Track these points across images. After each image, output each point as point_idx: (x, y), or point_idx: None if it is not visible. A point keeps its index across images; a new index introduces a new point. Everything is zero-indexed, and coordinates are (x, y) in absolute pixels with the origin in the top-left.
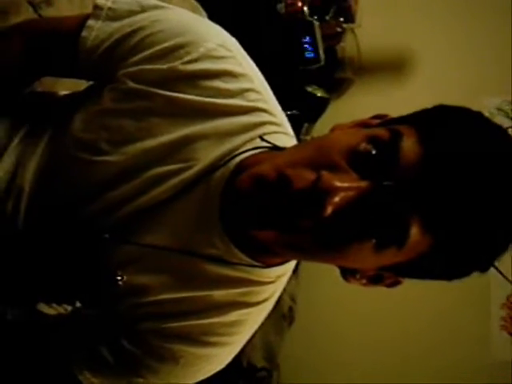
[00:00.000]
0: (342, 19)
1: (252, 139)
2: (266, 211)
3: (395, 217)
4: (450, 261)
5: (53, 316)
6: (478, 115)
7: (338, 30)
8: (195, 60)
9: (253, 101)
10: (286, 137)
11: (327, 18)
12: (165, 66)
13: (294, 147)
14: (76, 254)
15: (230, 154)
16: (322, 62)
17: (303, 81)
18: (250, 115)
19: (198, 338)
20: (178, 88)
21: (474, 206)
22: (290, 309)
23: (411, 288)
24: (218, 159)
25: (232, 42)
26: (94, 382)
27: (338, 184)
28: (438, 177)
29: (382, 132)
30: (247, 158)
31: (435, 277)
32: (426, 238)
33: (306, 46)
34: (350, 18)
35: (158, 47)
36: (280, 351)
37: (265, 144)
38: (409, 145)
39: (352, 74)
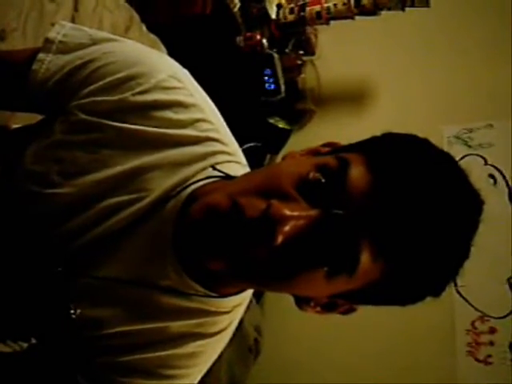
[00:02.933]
0: (301, 52)
1: (204, 169)
2: (218, 241)
3: (345, 244)
4: (401, 286)
5: (7, 354)
6: (425, 142)
7: (298, 62)
8: (146, 91)
9: (204, 131)
10: (238, 166)
11: (287, 50)
12: (115, 98)
13: (246, 175)
14: (29, 287)
15: (183, 184)
16: (283, 94)
17: (265, 113)
18: (201, 145)
19: (155, 371)
20: (129, 119)
21: (422, 233)
22: (256, 341)
23: (375, 315)
24: (170, 189)
25: (183, 73)
26: None
27: (288, 213)
28: (386, 203)
29: (330, 160)
30: (200, 188)
31: (389, 303)
32: (377, 264)
33: (266, 78)
34: (310, 50)
35: (109, 79)
36: None
37: (217, 173)
38: (357, 172)
39: (313, 105)
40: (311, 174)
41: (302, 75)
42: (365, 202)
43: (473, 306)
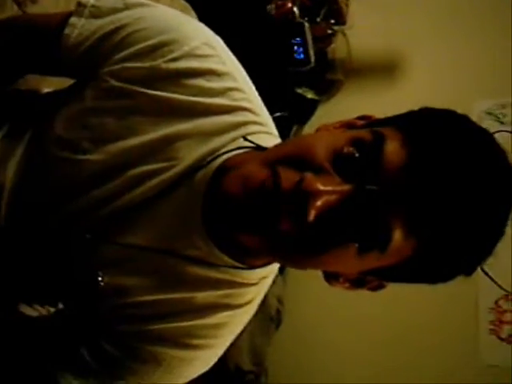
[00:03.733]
0: (332, 21)
1: (235, 139)
2: (254, 215)
3: (377, 221)
4: (433, 264)
5: (35, 317)
6: (464, 119)
7: (329, 31)
8: (178, 58)
9: (236, 100)
10: (269, 137)
11: (318, 19)
12: (147, 64)
13: (279, 145)
14: (58, 253)
15: (213, 154)
16: (313, 64)
17: (293, 82)
18: (233, 114)
19: (180, 341)
20: (160, 86)
21: (458, 210)
22: (278, 311)
23: (399, 291)
24: (200, 159)
25: (216, 41)
26: None
27: (321, 187)
28: (421, 180)
29: (365, 134)
30: (230, 159)
31: (419, 280)
32: (409, 241)
33: (296, 47)
34: (341, 20)
35: (140, 45)
36: (267, 354)
37: (248, 144)
38: (392, 148)
39: (342, 76)
40: (345, 149)
41: (333, 45)
42: (399, 178)
43: (498, 284)
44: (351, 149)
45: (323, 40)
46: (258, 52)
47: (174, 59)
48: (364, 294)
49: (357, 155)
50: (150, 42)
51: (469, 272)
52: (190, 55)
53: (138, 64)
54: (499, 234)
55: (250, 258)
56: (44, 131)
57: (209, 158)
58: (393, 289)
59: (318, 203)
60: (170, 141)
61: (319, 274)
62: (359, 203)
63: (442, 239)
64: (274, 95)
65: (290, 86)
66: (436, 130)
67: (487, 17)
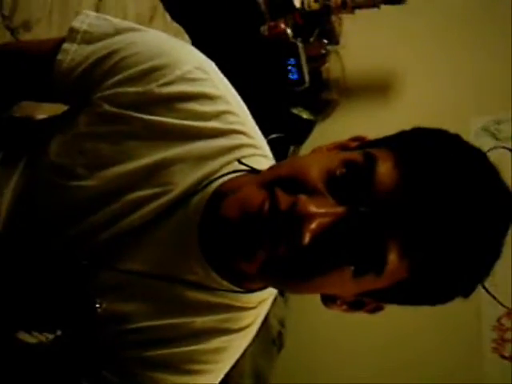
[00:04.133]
0: (325, 41)
1: (230, 162)
2: (252, 239)
3: (372, 243)
4: (429, 286)
5: (33, 344)
6: (456, 138)
7: (323, 51)
8: (171, 82)
9: (230, 123)
10: (264, 159)
11: (311, 39)
12: (140, 89)
13: (273, 167)
14: (55, 280)
15: (208, 178)
16: (307, 84)
17: (289, 103)
18: (227, 138)
19: (180, 366)
20: (154, 111)
21: (451, 232)
22: (280, 334)
23: (400, 312)
24: (195, 184)
25: (208, 65)
26: None
27: (315, 210)
28: (414, 201)
29: (357, 156)
30: (226, 182)
31: (417, 303)
32: (405, 263)
33: (290, 67)
34: (334, 40)
35: (133, 70)
36: (270, 377)
37: (243, 167)
38: (384, 169)
39: (337, 96)
40: (338, 170)
41: (327, 65)
42: (392, 199)
43: (499, 302)
44: (344, 170)
45: (317, 60)
46: (253, 73)
47: (167, 83)
48: (367, 318)
49: (349, 177)
50: (142, 67)
51: (466, 294)
52: (183, 79)
53: (131, 89)
54: (495, 255)
55: (249, 282)
56: (38, 158)
57: (204, 183)
58: (393, 311)
59: (313, 226)
60: (164, 165)
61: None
62: (353, 225)
63: (436, 260)
64: (269, 116)
65: (286, 107)
66: (428, 150)
67: (482, 35)
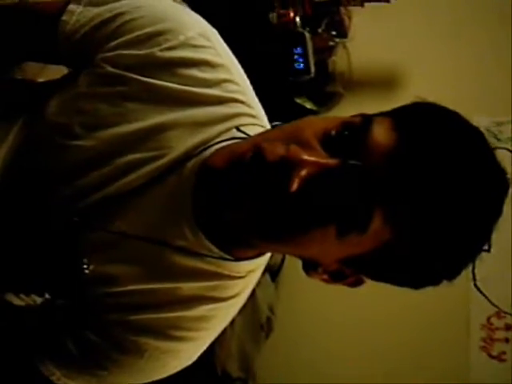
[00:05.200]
0: (334, 33)
1: (228, 130)
2: (238, 188)
3: (359, 199)
4: (413, 259)
5: (21, 307)
6: (456, 113)
7: (330, 43)
8: (174, 47)
9: (230, 92)
10: (262, 129)
11: (319, 30)
12: (143, 52)
13: (271, 129)
14: (45, 237)
15: (205, 144)
16: (313, 74)
17: (293, 92)
18: (226, 106)
19: (164, 332)
20: (155, 74)
21: (441, 203)
22: (268, 319)
23: (391, 305)
24: (192, 148)
25: (212, 33)
26: (56, 373)
27: (305, 157)
28: (407, 164)
29: (355, 119)
30: (222, 148)
31: (399, 281)
32: (389, 227)
33: (296, 57)
34: (343, 33)
35: (137, 33)
36: (257, 362)
37: (241, 135)
38: (381, 129)
39: (342, 88)
40: (334, 130)
41: (333, 57)
42: (385, 158)
43: (490, 301)
44: (341, 130)
45: (324, 51)
46: (259, 60)
47: (169, 48)
48: (356, 305)
49: (344, 134)
50: (146, 30)
51: (451, 276)
52: (186, 45)
53: (134, 51)
54: (484, 236)
55: (237, 250)
56: (37, 117)
57: (201, 148)
58: (385, 302)
59: (302, 172)
60: (161, 129)
61: (312, 283)
62: (343, 178)
63: (421, 231)
64: (273, 104)
65: (290, 96)
66: (426, 120)
67: (488, 34)
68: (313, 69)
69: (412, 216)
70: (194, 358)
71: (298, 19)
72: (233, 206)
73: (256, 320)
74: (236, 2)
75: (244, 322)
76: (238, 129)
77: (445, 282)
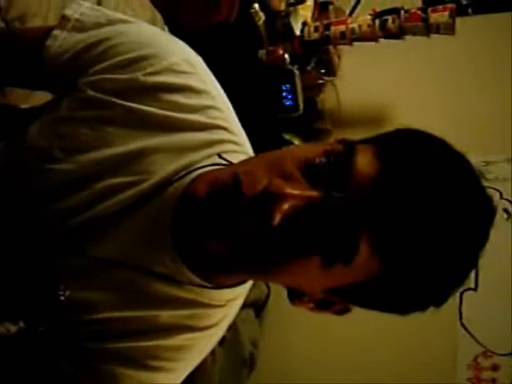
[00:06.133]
0: (323, 71)
1: (210, 156)
2: (218, 217)
3: (343, 230)
4: (400, 288)
5: None
6: (441, 140)
7: (319, 81)
8: (157, 72)
9: (213, 118)
10: (245, 157)
11: (308, 68)
12: (126, 76)
13: (253, 157)
14: (20, 263)
15: (187, 169)
16: (301, 111)
17: (281, 128)
18: (209, 132)
19: (141, 362)
20: (137, 99)
21: (427, 231)
22: (251, 355)
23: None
24: (173, 173)
25: (197, 60)
26: None
27: (288, 190)
28: (391, 194)
29: (337, 146)
30: (203, 174)
31: (386, 307)
32: (375, 258)
33: (285, 94)
34: (332, 71)
35: (121, 57)
36: None
37: (223, 162)
38: (364, 159)
39: (331, 126)
40: (317, 159)
41: (322, 95)
42: (368, 189)
43: (477, 340)
44: (323, 159)
45: (313, 89)
46: (248, 96)
47: (153, 73)
48: (342, 343)
49: (327, 165)
50: (129, 55)
51: (438, 303)
52: (169, 70)
53: (117, 76)
54: (471, 263)
55: (217, 278)
56: (18, 141)
57: (182, 173)
58: (372, 344)
59: (285, 206)
60: (143, 154)
61: (297, 320)
62: (326, 210)
63: (408, 261)
64: (261, 139)
65: (278, 132)
66: (410, 147)
67: (479, 78)
68: (301, 105)
69: (398, 246)
70: None
71: (286, 56)
72: (213, 237)
73: (239, 356)
74: (225, 39)
75: (226, 358)
76: (219, 156)
77: (432, 309)
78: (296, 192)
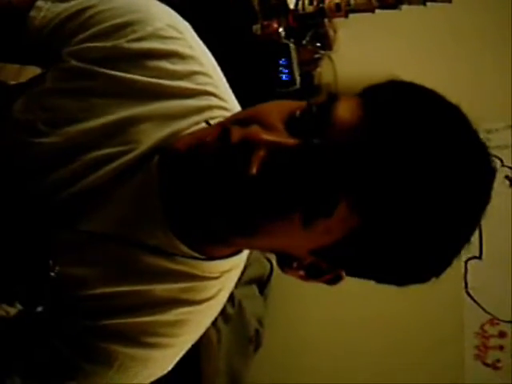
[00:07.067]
0: (318, 44)
1: (198, 123)
2: (201, 173)
3: (323, 180)
4: (387, 253)
5: None
6: (430, 90)
7: (316, 55)
8: (141, 38)
9: (201, 84)
10: None
11: (304, 42)
12: (109, 44)
13: (241, 111)
14: (8, 241)
15: (174, 137)
16: (298, 85)
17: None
18: (197, 98)
19: (136, 338)
20: (121, 67)
21: (416, 186)
22: (257, 332)
23: (383, 318)
24: (161, 142)
25: (183, 24)
26: None
27: (264, 136)
28: (373, 144)
29: (321, 98)
30: (187, 135)
31: (379, 276)
32: (355, 213)
33: (281, 68)
34: (327, 45)
35: (104, 25)
36: (245, 377)
37: None
38: (346, 107)
39: None
40: (299, 111)
41: (319, 69)
42: (350, 136)
43: (483, 309)
44: (305, 110)
45: (310, 63)
46: (243, 72)
47: (137, 39)
48: (347, 317)
49: (308, 114)
50: (113, 22)
51: (435, 271)
52: (154, 36)
53: (100, 44)
54: (469, 226)
55: (210, 248)
56: (3, 116)
57: (169, 141)
58: (377, 316)
59: (261, 153)
60: (129, 124)
61: (301, 295)
62: (304, 159)
63: (392, 220)
64: None
65: None
66: (398, 97)
67: (477, 43)
68: (298, 80)
69: (381, 201)
70: (168, 367)
71: (281, 30)
72: (194, 193)
73: (244, 333)
74: (219, 15)
75: (232, 336)
76: (208, 122)
77: (433, 280)
78: (272, 138)
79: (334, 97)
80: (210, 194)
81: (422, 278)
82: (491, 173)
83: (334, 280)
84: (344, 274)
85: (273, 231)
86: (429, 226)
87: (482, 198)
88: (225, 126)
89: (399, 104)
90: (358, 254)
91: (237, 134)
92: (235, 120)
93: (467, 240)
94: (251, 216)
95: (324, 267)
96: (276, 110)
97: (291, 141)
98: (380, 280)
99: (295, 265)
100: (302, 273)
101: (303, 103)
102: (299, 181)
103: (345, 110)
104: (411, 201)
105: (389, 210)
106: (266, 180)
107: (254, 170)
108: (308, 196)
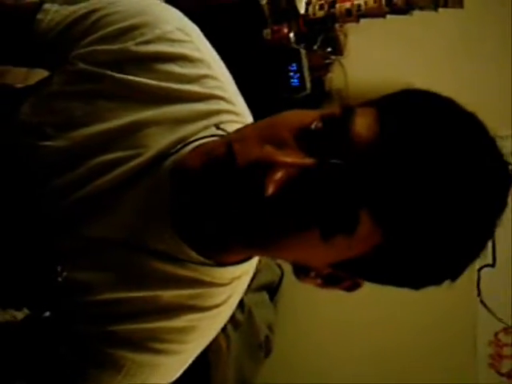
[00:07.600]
0: (329, 50)
1: (207, 127)
2: (212, 191)
3: (341, 200)
4: (406, 261)
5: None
6: (448, 100)
7: (326, 61)
8: (150, 41)
9: (210, 88)
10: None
11: (314, 47)
12: (116, 47)
13: (249, 124)
14: (16, 244)
15: (183, 142)
16: (308, 91)
17: (288, 109)
18: (206, 102)
19: (143, 344)
20: (129, 70)
21: (433, 199)
22: (267, 338)
23: (396, 323)
24: (169, 146)
25: (191, 27)
26: None
27: (280, 158)
28: (392, 161)
29: (335, 110)
30: (198, 146)
31: (398, 282)
32: (377, 229)
33: (292, 73)
34: (338, 50)
35: (111, 28)
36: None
37: (221, 133)
38: (363, 122)
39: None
40: (313, 124)
41: (330, 74)
42: (367, 154)
43: (496, 317)
44: (320, 125)
45: (320, 69)
46: (253, 76)
47: (145, 42)
48: (357, 326)
49: (323, 129)
50: (121, 25)
51: (452, 275)
52: (162, 39)
53: (108, 47)
54: (486, 232)
55: (220, 255)
56: (10, 119)
57: (178, 146)
58: (390, 323)
59: (277, 175)
60: (137, 128)
61: (311, 301)
62: (322, 179)
63: (413, 229)
64: None
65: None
66: (415, 107)
67: (488, 48)
68: (308, 85)
69: (402, 215)
70: (176, 374)
71: (292, 35)
72: (209, 211)
73: (254, 339)
74: (229, 19)
75: (241, 342)
76: (217, 126)
77: (447, 283)
78: (288, 160)
79: (349, 111)
80: (226, 212)
81: (440, 280)
82: (508, 180)
83: (353, 287)
84: (362, 281)
85: (289, 246)
86: (448, 233)
87: (499, 205)
88: (231, 146)
89: (416, 117)
90: (378, 265)
91: (246, 154)
92: (243, 136)
93: (483, 245)
94: (268, 232)
95: (342, 275)
96: (286, 124)
97: (308, 161)
98: (397, 285)
99: (312, 274)
100: (319, 281)
101: (315, 114)
102: (317, 199)
103: (362, 127)
104: (432, 211)
105: (411, 221)
106: (282, 199)
107: (271, 192)
108: (326, 213)
